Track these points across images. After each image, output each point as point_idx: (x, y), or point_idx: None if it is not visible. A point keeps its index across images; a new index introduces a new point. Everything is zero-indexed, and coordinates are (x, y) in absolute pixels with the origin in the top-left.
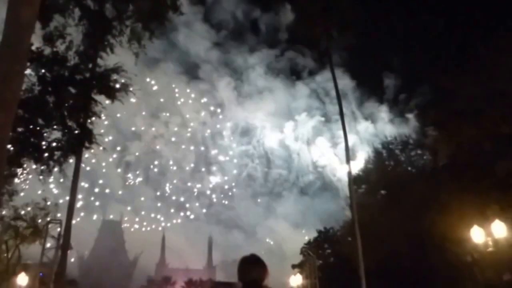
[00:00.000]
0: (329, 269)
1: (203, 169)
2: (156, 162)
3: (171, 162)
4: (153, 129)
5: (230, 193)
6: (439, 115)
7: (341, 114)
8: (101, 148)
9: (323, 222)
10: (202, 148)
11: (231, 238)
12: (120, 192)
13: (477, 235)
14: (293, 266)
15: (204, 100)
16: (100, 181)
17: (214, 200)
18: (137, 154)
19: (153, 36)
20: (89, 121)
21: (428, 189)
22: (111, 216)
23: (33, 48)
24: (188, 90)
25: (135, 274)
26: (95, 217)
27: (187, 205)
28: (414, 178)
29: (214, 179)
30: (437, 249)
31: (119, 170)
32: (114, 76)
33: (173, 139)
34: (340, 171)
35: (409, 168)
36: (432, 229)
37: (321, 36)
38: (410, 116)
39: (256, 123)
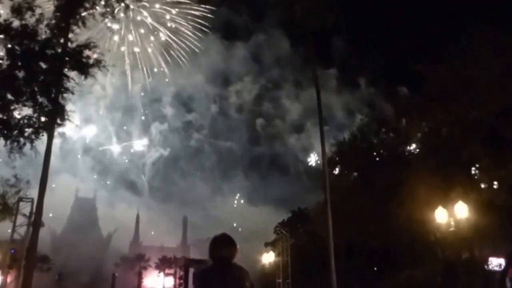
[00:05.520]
0: (301, 247)
1: (144, 141)
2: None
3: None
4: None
5: (174, 166)
6: (411, 100)
7: (320, 120)
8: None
9: (278, 199)
10: (142, 117)
11: (178, 214)
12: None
13: (440, 215)
14: (266, 244)
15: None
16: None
17: (157, 173)
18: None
19: (128, 9)
20: (61, 97)
21: (398, 171)
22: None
23: (1, 20)
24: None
25: (108, 252)
26: (68, 194)
27: (131, 179)
28: (385, 160)
29: (158, 152)
30: (403, 229)
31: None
32: (87, 52)
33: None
34: (289, 144)
35: (382, 151)
36: (399, 210)
37: (301, 17)
38: (361, 81)
39: (195, 91)
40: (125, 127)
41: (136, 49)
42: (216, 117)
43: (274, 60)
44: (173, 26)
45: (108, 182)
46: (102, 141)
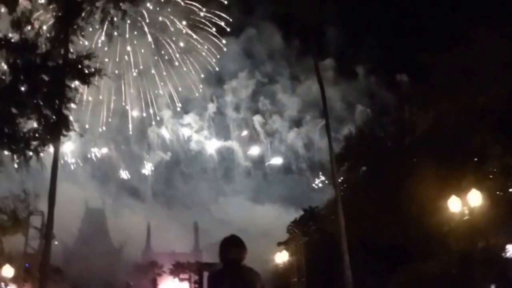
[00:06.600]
0: (315, 246)
1: (143, 144)
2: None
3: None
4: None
5: (176, 170)
6: (416, 90)
7: (326, 119)
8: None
9: (283, 196)
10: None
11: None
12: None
13: (454, 204)
14: (279, 244)
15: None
16: None
17: (160, 178)
18: None
19: (126, 15)
20: (64, 107)
21: (407, 163)
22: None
23: (1, 35)
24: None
25: (121, 261)
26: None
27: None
28: (393, 153)
29: (158, 156)
30: (414, 221)
31: None
32: (87, 62)
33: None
34: (290, 139)
35: (389, 144)
36: (410, 202)
37: (299, 11)
38: (359, 70)
39: (191, 91)
40: (122, 135)
41: (135, 73)
42: (214, 117)
43: (267, 54)
44: (182, 44)
45: (111, 190)
46: (97, 146)
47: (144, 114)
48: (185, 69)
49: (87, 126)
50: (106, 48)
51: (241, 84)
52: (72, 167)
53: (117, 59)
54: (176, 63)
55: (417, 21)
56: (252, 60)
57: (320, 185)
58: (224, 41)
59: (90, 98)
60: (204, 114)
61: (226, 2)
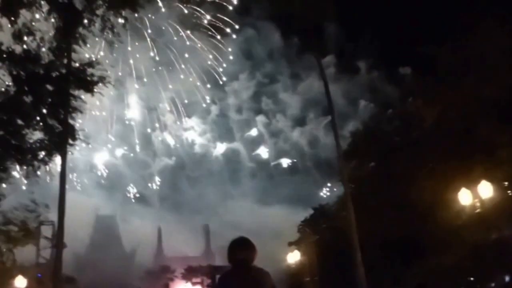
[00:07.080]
0: (326, 244)
1: (148, 151)
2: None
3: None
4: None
5: (181, 175)
6: (420, 83)
7: (333, 116)
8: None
9: (291, 196)
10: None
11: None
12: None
13: (464, 197)
14: (290, 244)
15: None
16: None
17: (166, 183)
18: None
19: (127, 23)
20: (69, 117)
21: (415, 157)
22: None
23: (3, 48)
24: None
25: (133, 266)
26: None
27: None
28: (400, 147)
29: (163, 161)
30: (426, 215)
31: None
32: (90, 70)
33: None
34: (294, 138)
35: (396, 138)
36: (421, 196)
37: (299, 11)
38: (361, 65)
39: (192, 95)
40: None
41: (136, 82)
42: (217, 120)
43: (267, 54)
44: (185, 50)
45: (119, 197)
46: (102, 154)
47: (148, 121)
48: (190, 79)
49: (90, 141)
50: (107, 61)
51: (243, 85)
52: (78, 177)
53: (120, 67)
54: (179, 70)
55: (419, 13)
56: (252, 60)
57: (328, 194)
58: (230, 49)
59: (95, 110)
60: (207, 117)
61: (231, 8)
